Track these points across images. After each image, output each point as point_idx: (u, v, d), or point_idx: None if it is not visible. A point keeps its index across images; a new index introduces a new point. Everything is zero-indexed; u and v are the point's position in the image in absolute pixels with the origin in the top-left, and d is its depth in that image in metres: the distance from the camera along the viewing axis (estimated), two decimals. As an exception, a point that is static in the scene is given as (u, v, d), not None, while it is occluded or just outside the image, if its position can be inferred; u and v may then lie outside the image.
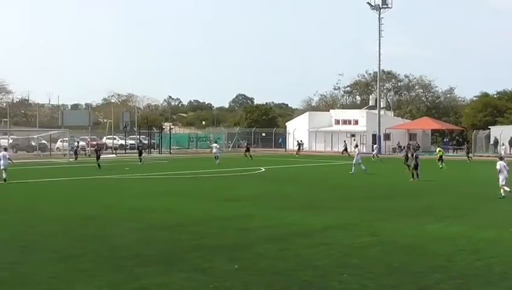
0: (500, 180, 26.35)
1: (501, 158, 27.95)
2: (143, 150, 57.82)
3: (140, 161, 51.71)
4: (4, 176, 33.63)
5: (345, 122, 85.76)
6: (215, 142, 59.26)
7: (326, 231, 17.53)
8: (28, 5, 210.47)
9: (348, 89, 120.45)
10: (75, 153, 57.50)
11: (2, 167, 33.99)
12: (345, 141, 73.68)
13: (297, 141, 75.40)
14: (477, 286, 11.75)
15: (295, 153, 71.27)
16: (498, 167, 26.61)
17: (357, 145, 49.02)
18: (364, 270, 12.59)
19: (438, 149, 50.75)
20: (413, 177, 34.62)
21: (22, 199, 25.61)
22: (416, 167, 34.86)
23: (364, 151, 65.08)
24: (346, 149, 68.84)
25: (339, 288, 11.37)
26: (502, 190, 26.26)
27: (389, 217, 20.59)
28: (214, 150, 53.63)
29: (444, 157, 48.57)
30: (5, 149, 39.04)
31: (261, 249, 14.78)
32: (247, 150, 61.45)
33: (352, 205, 23.67)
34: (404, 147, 63.24)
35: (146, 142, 73.02)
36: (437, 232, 17.52)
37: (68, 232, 17.11)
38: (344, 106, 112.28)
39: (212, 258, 13.56)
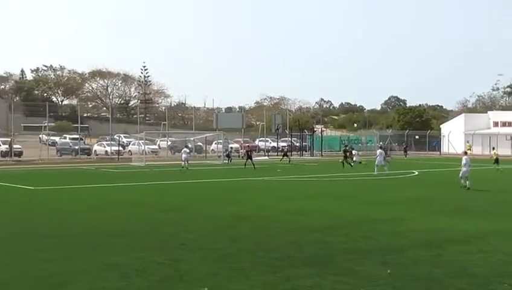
0: (462, 172, 30.75)
1: (465, 153, 33.39)
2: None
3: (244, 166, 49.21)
4: (185, 165, 45.14)
5: (504, 124, 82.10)
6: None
7: (482, 238, 16.92)
8: (186, 16, 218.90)
9: (508, 89, 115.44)
10: (227, 156, 58.83)
11: (183, 160, 46.06)
12: (282, 147, 69.34)
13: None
14: None
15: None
16: (464, 161, 30.96)
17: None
18: (526, 281, 12.03)
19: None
20: None
21: (180, 199, 26.71)
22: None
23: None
24: (286, 154, 61.75)
25: (497, 298, 10.98)
26: (463, 181, 30.69)
27: (551, 224, 19.56)
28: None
29: None
30: (186, 146, 53.46)
31: (414, 254, 14.54)
32: (249, 157, 50.23)
33: (509, 211, 22.72)
34: None
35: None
36: None
37: (223, 231, 17.66)
38: (504, 108, 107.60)
39: (364, 262, 13.50)
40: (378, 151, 44.58)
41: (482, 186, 32.88)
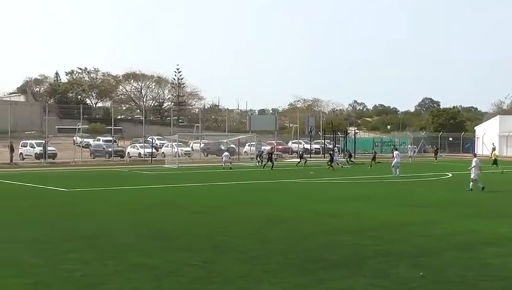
0: (473, 175, 30.60)
1: (475, 155, 34.42)
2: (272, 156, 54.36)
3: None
4: (225, 166, 50.76)
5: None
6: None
7: (517, 240, 16.73)
8: (219, 19, 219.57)
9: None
10: (258, 157, 58.55)
11: (224, 162, 51.57)
12: (298, 150, 67.85)
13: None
14: None
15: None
16: (474, 163, 30.85)
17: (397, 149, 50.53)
18: (560, 285, 11.84)
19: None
20: None
21: (213, 201, 26.75)
22: None
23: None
24: (301, 156, 58.94)
25: (531, 301, 10.82)
26: (471, 184, 30.56)
27: None
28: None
29: None
30: (227, 150, 58.43)
31: (447, 256, 14.38)
32: (270, 158, 51.90)
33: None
34: None
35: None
36: None
37: (255, 233, 17.67)
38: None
39: (396, 264, 13.40)
40: (395, 153, 44.19)
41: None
